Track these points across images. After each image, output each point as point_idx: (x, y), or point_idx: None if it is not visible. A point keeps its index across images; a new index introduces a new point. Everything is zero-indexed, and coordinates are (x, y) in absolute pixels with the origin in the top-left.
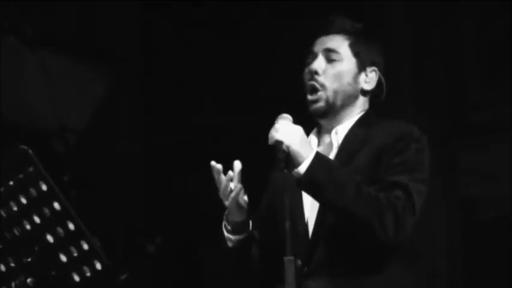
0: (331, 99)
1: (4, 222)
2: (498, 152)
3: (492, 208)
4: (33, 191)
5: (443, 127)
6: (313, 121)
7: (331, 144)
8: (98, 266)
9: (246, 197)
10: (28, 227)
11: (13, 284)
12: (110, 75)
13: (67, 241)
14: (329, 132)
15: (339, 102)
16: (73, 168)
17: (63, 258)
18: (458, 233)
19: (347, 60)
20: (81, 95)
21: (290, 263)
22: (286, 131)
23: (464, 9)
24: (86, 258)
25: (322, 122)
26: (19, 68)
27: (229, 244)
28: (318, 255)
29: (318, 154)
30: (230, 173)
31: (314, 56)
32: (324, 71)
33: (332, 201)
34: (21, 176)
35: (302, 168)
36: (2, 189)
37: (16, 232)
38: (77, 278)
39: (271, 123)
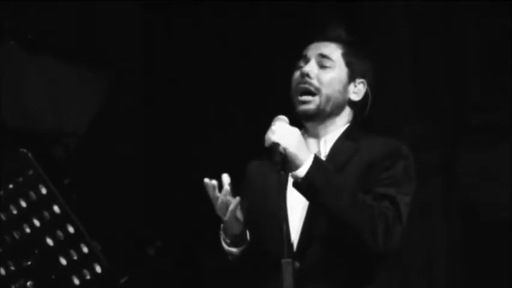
0: (322, 104)
1: (4, 226)
2: (498, 153)
3: (492, 209)
4: (33, 195)
5: (443, 128)
6: (297, 123)
7: (319, 153)
8: (98, 269)
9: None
10: (28, 230)
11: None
12: (110, 77)
13: (67, 244)
14: (315, 137)
15: (328, 108)
16: (73, 172)
17: (63, 261)
18: (458, 234)
19: (339, 69)
20: (81, 99)
21: (288, 265)
22: (283, 133)
23: (464, 9)
24: (86, 262)
25: (309, 124)
26: (19, 71)
27: (231, 257)
28: (304, 264)
29: (316, 158)
30: (226, 187)
31: (306, 60)
32: (317, 76)
33: (328, 206)
34: (21, 179)
35: (301, 172)
36: (1, 192)
37: (16, 235)
38: (77, 281)
39: (269, 124)
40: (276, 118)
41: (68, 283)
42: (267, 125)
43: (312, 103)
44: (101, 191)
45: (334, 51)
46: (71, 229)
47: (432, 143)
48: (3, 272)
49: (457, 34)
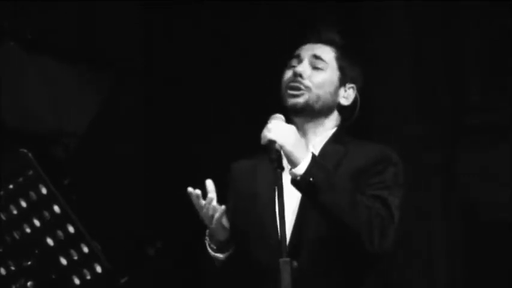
0: (311, 100)
1: (4, 226)
2: (498, 153)
3: (492, 209)
4: (33, 195)
5: (443, 128)
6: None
7: None
8: (98, 269)
9: (226, 220)
10: (28, 230)
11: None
12: (110, 77)
13: (67, 244)
14: (303, 135)
15: (317, 106)
16: (73, 172)
17: (64, 261)
18: (458, 234)
19: (331, 71)
20: (81, 99)
21: (286, 265)
22: (279, 130)
23: (464, 9)
24: (86, 262)
25: (297, 120)
26: (19, 71)
27: (217, 263)
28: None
29: (314, 156)
30: (210, 196)
31: (299, 61)
32: (309, 76)
33: (328, 205)
34: (21, 179)
35: (300, 169)
36: (2, 192)
37: (16, 235)
38: (77, 281)
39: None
40: (272, 116)
41: (69, 283)
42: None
43: (301, 97)
44: (101, 191)
45: (327, 53)
46: (71, 229)
47: (432, 143)
48: (3, 272)
49: (457, 34)
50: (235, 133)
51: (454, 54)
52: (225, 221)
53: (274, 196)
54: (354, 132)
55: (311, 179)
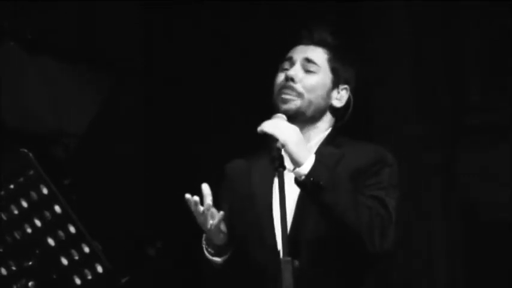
0: (303, 107)
1: (5, 226)
2: (498, 153)
3: (492, 209)
4: (33, 195)
5: (443, 128)
6: None
7: None
8: (99, 269)
9: (223, 225)
10: (29, 230)
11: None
12: (110, 77)
13: (68, 244)
14: None
15: (309, 112)
16: (73, 172)
17: (64, 261)
18: (458, 234)
19: (323, 74)
20: (81, 99)
21: (287, 264)
22: (283, 128)
23: (464, 9)
24: (87, 262)
25: None
26: (19, 71)
27: (215, 267)
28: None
29: (317, 155)
30: (207, 202)
31: (291, 63)
32: (301, 80)
33: (332, 204)
34: (21, 179)
35: (304, 169)
36: (2, 192)
37: (17, 235)
38: (78, 281)
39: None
40: (275, 116)
41: (69, 283)
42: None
43: (293, 103)
44: (101, 191)
45: (320, 56)
46: (72, 229)
47: (432, 143)
48: (4, 272)
49: (457, 34)
50: (235, 133)
51: (454, 54)
52: (222, 226)
53: (272, 196)
54: (354, 132)
55: (315, 179)
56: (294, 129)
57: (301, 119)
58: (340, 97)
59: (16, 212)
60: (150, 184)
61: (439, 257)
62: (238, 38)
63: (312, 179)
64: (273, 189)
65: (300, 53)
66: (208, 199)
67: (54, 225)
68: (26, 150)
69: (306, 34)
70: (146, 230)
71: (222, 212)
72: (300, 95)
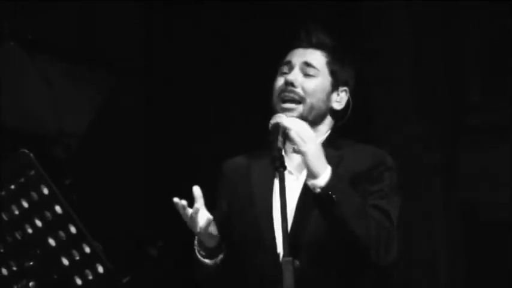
0: (305, 113)
1: (6, 226)
2: (498, 153)
3: (492, 209)
4: (34, 195)
5: (443, 128)
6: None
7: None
8: (100, 269)
9: (214, 227)
10: (30, 230)
11: None
12: (110, 77)
13: (69, 244)
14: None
15: (311, 117)
16: (74, 172)
17: (65, 261)
18: (458, 234)
19: (323, 77)
20: (81, 99)
21: (288, 264)
22: (306, 137)
23: (464, 9)
24: (88, 262)
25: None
26: (19, 71)
27: (206, 269)
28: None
29: (333, 167)
30: (196, 206)
31: (290, 67)
32: (301, 84)
33: (343, 218)
34: (22, 179)
35: (321, 181)
36: (3, 193)
37: (18, 236)
38: (79, 282)
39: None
40: (275, 116)
41: (70, 283)
42: (266, 125)
43: (295, 111)
44: (102, 191)
45: (318, 59)
46: (73, 229)
47: (432, 143)
48: (5, 272)
49: (457, 34)
50: (235, 133)
51: (454, 54)
52: (212, 229)
53: (272, 197)
54: (354, 132)
55: (331, 192)
56: (314, 139)
57: None
58: (340, 99)
59: (17, 212)
60: (150, 184)
61: (439, 257)
62: (238, 38)
63: (327, 192)
64: (273, 189)
65: (299, 56)
66: (199, 202)
67: (54, 225)
68: (26, 151)
69: (304, 37)
70: (147, 229)
71: (210, 216)
72: (301, 99)
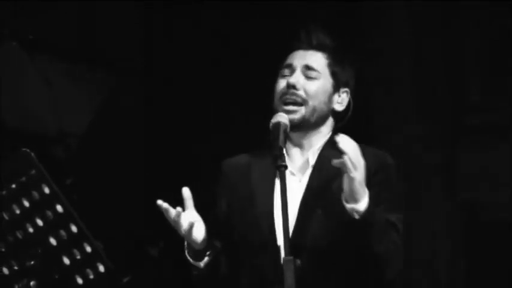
0: (307, 115)
1: (7, 226)
2: (498, 153)
3: (492, 209)
4: (35, 194)
5: (443, 128)
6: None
7: (306, 163)
8: (101, 268)
9: (201, 229)
10: (31, 230)
11: (16, 287)
12: (110, 77)
13: (70, 244)
14: (298, 146)
15: (313, 120)
16: (74, 172)
17: (66, 261)
18: (458, 234)
19: (324, 79)
20: (81, 99)
21: (289, 263)
22: (358, 163)
23: (464, 9)
24: (89, 261)
25: (293, 134)
26: (19, 71)
27: (195, 270)
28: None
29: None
30: (178, 209)
31: (292, 70)
32: (302, 86)
33: (371, 240)
34: (23, 179)
35: (361, 206)
36: (4, 192)
37: (19, 235)
38: (80, 281)
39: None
40: (276, 115)
41: (71, 283)
42: (266, 125)
43: (297, 113)
44: (102, 191)
45: (319, 61)
46: (74, 229)
47: (432, 143)
48: (6, 271)
49: (457, 34)
50: (235, 133)
51: (454, 54)
52: (197, 232)
53: (272, 196)
54: (355, 132)
55: (368, 218)
56: (363, 166)
57: (306, 126)
58: (341, 100)
59: (18, 211)
60: (150, 184)
61: (439, 257)
62: (238, 38)
63: (365, 217)
64: (274, 189)
65: (300, 59)
66: (188, 203)
67: (56, 224)
68: (27, 150)
69: (304, 38)
70: (147, 229)
71: (192, 220)
72: (303, 101)
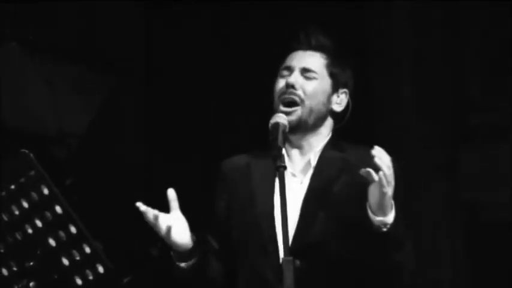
0: (304, 115)
1: (6, 226)
2: (498, 153)
3: (492, 209)
4: (34, 195)
5: (444, 128)
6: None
7: (308, 164)
8: (101, 269)
9: (184, 231)
10: (30, 230)
11: None
12: (110, 77)
13: (69, 245)
14: (298, 147)
15: (311, 121)
16: (74, 173)
17: (66, 261)
18: (458, 234)
19: (323, 80)
20: (81, 99)
21: (288, 264)
22: (392, 179)
23: (464, 9)
24: (89, 262)
25: (292, 137)
26: (19, 71)
27: (180, 272)
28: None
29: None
30: (155, 212)
31: (290, 71)
32: (301, 86)
33: (396, 252)
34: (22, 179)
35: (390, 219)
36: (3, 193)
37: (18, 236)
38: (79, 282)
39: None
40: (275, 115)
41: (71, 283)
42: (266, 124)
43: (293, 114)
44: (102, 191)
45: (318, 62)
46: (73, 229)
47: (432, 143)
48: (5, 272)
49: (457, 34)
50: (235, 133)
51: (454, 54)
52: (177, 235)
53: (272, 196)
54: (355, 133)
55: (395, 230)
56: (393, 181)
57: (304, 127)
58: (340, 101)
59: (17, 212)
60: (150, 184)
61: (439, 257)
62: (238, 38)
63: (393, 230)
64: (274, 189)
65: (298, 60)
66: (173, 204)
67: (55, 225)
68: (26, 151)
69: (303, 39)
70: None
71: (168, 224)
72: (301, 102)
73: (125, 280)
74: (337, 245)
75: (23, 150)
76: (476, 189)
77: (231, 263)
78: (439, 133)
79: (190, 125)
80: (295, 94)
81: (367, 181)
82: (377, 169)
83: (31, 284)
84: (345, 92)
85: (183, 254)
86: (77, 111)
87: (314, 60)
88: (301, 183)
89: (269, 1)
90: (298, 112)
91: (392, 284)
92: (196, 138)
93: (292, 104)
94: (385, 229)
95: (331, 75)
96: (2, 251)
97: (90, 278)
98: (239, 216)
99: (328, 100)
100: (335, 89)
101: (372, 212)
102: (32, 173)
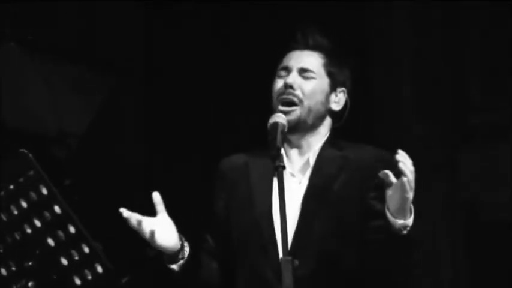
0: (303, 115)
1: (5, 226)
2: (498, 153)
3: (492, 209)
4: (33, 195)
5: (444, 128)
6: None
7: (307, 163)
8: (99, 269)
9: (170, 234)
10: (29, 230)
11: None
12: (110, 77)
13: (68, 244)
14: (297, 147)
15: (310, 120)
16: (74, 173)
17: (64, 261)
18: (458, 234)
19: (321, 80)
20: (81, 99)
21: (287, 263)
22: (413, 185)
23: (464, 9)
24: (87, 262)
25: (291, 136)
26: (19, 71)
27: (170, 273)
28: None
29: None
30: (138, 217)
31: (288, 71)
32: (300, 86)
33: (410, 252)
34: (21, 179)
35: (410, 221)
36: (2, 193)
37: (17, 236)
38: (78, 282)
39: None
40: (274, 115)
41: (69, 283)
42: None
43: (292, 114)
44: (101, 191)
45: (315, 62)
46: (71, 229)
47: (432, 143)
48: (4, 272)
49: (457, 34)
50: (235, 133)
51: (454, 54)
52: (163, 238)
53: (271, 196)
54: (355, 132)
55: (412, 233)
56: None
57: (303, 127)
58: (338, 100)
59: (16, 212)
60: (150, 184)
61: (439, 257)
62: (238, 38)
63: (410, 233)
64: (272, 189)
65: (296, 60)
66: (159, 207)
67: (53, 225)
68: (25, 151)
69: (300, 39)
70: None
71: (152, 228)
72: (300, 102)
73: (124, 280)
74: (337, 244)
75: (22, 150)
76: (476, 189)
77: (229, 262)
78: (439, 133)
79: (190, 125)
80: (293, 94)
81: (384, 183)
82: (397, 172)
83: (30, 284)
84: (343, 91)
85: (172, 256)
86: (76, 111)
87: (312, 60)
88: (300, 183)
89: (269, 1)
90: (297, 112)
91: (393, 284)
92: (196, 138)
93: (290, 104)
94: (405, 232)
95: (329, 74)
96: (0, 251)
97: (89, 278)
98: (238, 216)
99: (327, 99)
100: (333, 88)
101: (393, 215)
102: (31, 173)
